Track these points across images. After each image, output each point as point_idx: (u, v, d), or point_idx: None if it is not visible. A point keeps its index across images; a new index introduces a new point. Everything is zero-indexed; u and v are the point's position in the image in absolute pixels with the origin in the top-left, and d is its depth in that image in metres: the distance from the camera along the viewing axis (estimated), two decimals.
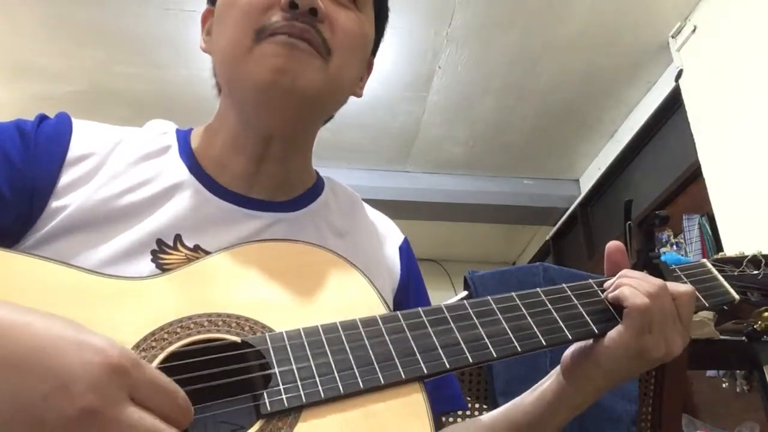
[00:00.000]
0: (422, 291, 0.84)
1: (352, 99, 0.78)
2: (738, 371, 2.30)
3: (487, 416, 0.77)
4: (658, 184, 3.09)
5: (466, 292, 1.28)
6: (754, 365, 1.90)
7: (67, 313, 0.49)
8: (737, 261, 0.78)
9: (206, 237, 0.67)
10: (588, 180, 3.87)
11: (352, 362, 0.55)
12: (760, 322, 1.51)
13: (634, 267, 0.73)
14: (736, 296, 0.74)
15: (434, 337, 0.59)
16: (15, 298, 0.50)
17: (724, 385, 2.39)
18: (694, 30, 2.70)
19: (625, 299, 0.64)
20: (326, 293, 0.62)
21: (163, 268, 0.62)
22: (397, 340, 0.58)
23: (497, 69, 3.07)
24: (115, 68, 3.03)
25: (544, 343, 0.63)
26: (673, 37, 2.83)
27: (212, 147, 0.74)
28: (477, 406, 1.26)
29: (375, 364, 0.55)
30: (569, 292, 0.68)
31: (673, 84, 2.87)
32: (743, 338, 1.73)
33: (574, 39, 2.87)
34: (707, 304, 0.73)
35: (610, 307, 0.67)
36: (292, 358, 0.54)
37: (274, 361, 0.53)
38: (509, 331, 0.62)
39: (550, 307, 0.66)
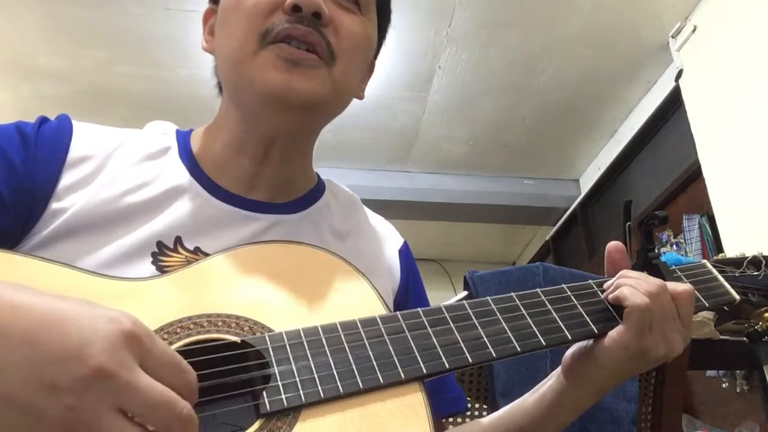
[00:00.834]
0: (422, 294, 0.84)
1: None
2: (738, 371, 2.30)
3: (488, 418, 0.77)
4: (658, 184, 3.09)
5: (466, 292, 1.28)
6: (754, 365, 1.90)
7: None
8: (738, 262, 0.78)
9: (206, 239, 0.67)
10: (588, 180, 3.88)
11: (352, 362, 0.55)
12: (761, 323, 1.51)
13: (634, 267, 0.73)
14: (737, 297, 0.74)
15: (434, 338, 0.59)
16: None
17: (724, 385, 2.39)
18: (694, 30, 2.70)
19: (625, 299, 0.65)
20: (326, 294, 0.62)
21: (163, 270, 0.62)
22: (396, 341, 0.58)
23: (497, 69, 3.07)
24: (115, 68, 3.04)
25: (544, 344, 0.63)
26: (673, 37, 2.83)
27: (213, 148, 0.74)
28: (477, 406, 1.26)
29: (374, 364, 0.55)
30: (569, 293, 0.68)
31: (673, 84, 2.87)
32: (743, 338, 1.73)
33: (574, 39, 2.87)
34: (707, 305, 0.73)
35: (610, 307, 0.68)
36: (291, 358, 0.54)
37: (273, 361, 0.53)
38: (509, 331, 0.62)
39: (549, 307, 0.66)
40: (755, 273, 0.77)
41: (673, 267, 0.75)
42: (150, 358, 0.41)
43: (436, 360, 0.58)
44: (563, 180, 4.03)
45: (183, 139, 0.76)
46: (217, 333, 0.55)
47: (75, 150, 0.68)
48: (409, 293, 0.81)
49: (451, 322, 0.61)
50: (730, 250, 0.82)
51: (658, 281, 0.66)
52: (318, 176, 0.83)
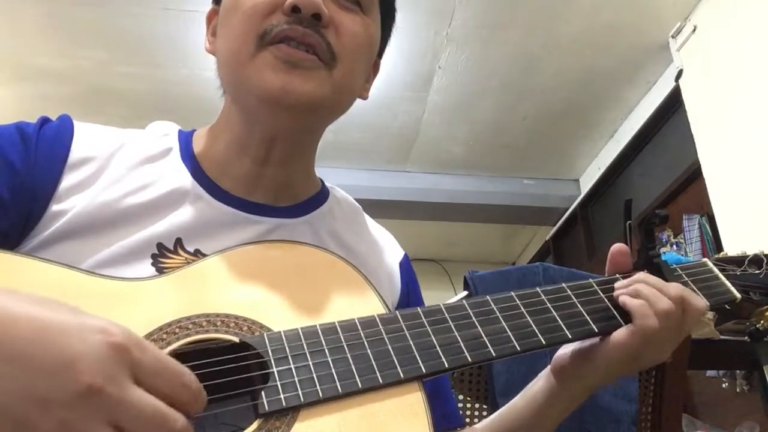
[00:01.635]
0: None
1: None
2: (738, 371, 2.30)
3: (481, 424, 0.77)
4: (658, 184, 3.09)
5: (466, 292, 1.28)
6: (754, 365, 1.89)
7: None
8: (739, 260, 0.78)
9: (207, 241, 0.66)
10: (588, 180, 3.88)
11: (351, 362, 0.55)
12: (762, 322, 1.50)
13: (635, 266, 0.73)
14: (738, 295, 0.74)
15: (433, 337, 0.59)
16: None
17: (724, 385, 2.39)
18: (694, 30, 2.70)
19: (635, 317, 0.64)
20: (325, 294, 0.62)
21: (162, 272, 0.62)
22: (395, 340, 0.58)
23: (497, 69, 3.07)
24: (115, 68, 3.04)
25: (544, 342, 0.63)
26: (673, 37, 2.83)
27: (215, 148, 0.74)
28: (477, 406, 1.26)
29: (373, 363, 0.55)
30: (569, 292, 0.68)
31: (673, 84, 2.87)
32: (744, 338, 1.72)
33: (574, 39, 2.87)
34: (709, 303, 0.72)
35: (611, 306, 0.67)
36: (290, 358, 0.54)
37: (272, 361, 0.53)
38: (508, 331, 0.62)
39: (549, 306, 0.66)
40: (757, 271, 0.77)
41: (674, 266, 0.75)
42: (142, 368, 0.41)
43: (436, 359, 0.58)
44: (563, 180, 4.03)
45: (185, 139, 0.76)
46: (216, 333, 0.55)
47: (76, 151, 0.67)
48: (409, 307, 0.79)
49: (450, 322, 0.61)
50: (730, 250, 0.81)
51: (676, 294, 0.65)
52: (322, 182, 0.83)
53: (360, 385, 0.53)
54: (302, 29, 0.65)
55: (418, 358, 0.57)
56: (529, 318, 0.64)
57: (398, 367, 0.56)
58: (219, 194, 0.71)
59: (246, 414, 0.52)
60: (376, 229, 0.85)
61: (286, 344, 0.55)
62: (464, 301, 0.64)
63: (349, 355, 0.55)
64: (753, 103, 2.35)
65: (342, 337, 0.57)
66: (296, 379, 0.52)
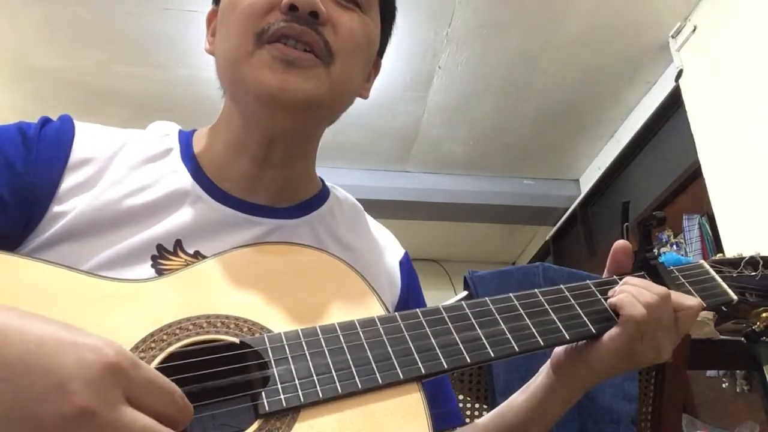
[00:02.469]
0: (422, 305, 0.83)
1: None
2: (738, 371, 2.30)
3: (480, 421, 0.77)
4: (658, 184, 3.09)
5: (465, 293, 1.28)
6: (754, 365, 1.90)
7: (66, 315, 0.50)
8: (735, 262, 0.78)
9: (206, 243, 0.66)
10: (588, 180, 3.88)
11: (350, 362, 0.55)
12: (758, 323, 1.51)
13: (632, 267, 0.74)
14: (734, 297, 0.74)
15: (432, 338, 0.60)
16: (16, 300, 0.50)
17: (724, 385, 2.39)
18: (694, 30, 2.70)
19: (622, 308, 0.65)
20: (325, 295, 0.62)
21: (162, 274, 0.62)
22: (395, 341, 0.58)
23: (497, 69, 3.07)
24: (115, 68, 3.04)
25: (542, 344, 0.63)
26: (673, 37, 2.83)
27: (214, 148, 0.74)
28: (477, 406, 1.26)
29: (373, 364, 0.55)
30: (567, 293, 0.68)
31: (673, 84, 2.87)
32: (743, 338, 1.72)
33: (574, 39, 2.87)
34: (705, 305, 0.73)
35: (608, 308, 0.68)
36: (290, 359, 0.54)
37: (272, 362, 0.53)
38: (507, 332, 0.62)
39: (547, 307, 0.66)
40: (753, 273, 0.77)
41: (671, 267, 0.75)
42: (134, 387, 0.41)
43: (435, 360, 0.58)
44: (563, 180, 4.03)
45: (185, 140, 0.76)
46: (216, 334, 0.55)
47: (77, 152, 0.67)
48: (409, 305, 0.80)
49: (449, 323, 0.61)
50: (730, 250, 0.82)
51: (661, 291, 0.66)
52: (322, 181, 0.82)
53: (360, 386, 0.54)
54: (299, 27, 0.65)
55: (418, 358, 0.57)
56: (527, 319, 0.64)
57: (398, 367, 0.56)
58: (219, 195, 0.71)
59: (246, 415, 0.52)
60: (376, 228, 0.85)
61: (286, 345, 0.55)
62: (463, 302, 0.64)
63: (348, 356, 0.56)
64: (753, 103, 2.35)
65: (342, 337, 0.57)
66: (296, 379, 0.53)
